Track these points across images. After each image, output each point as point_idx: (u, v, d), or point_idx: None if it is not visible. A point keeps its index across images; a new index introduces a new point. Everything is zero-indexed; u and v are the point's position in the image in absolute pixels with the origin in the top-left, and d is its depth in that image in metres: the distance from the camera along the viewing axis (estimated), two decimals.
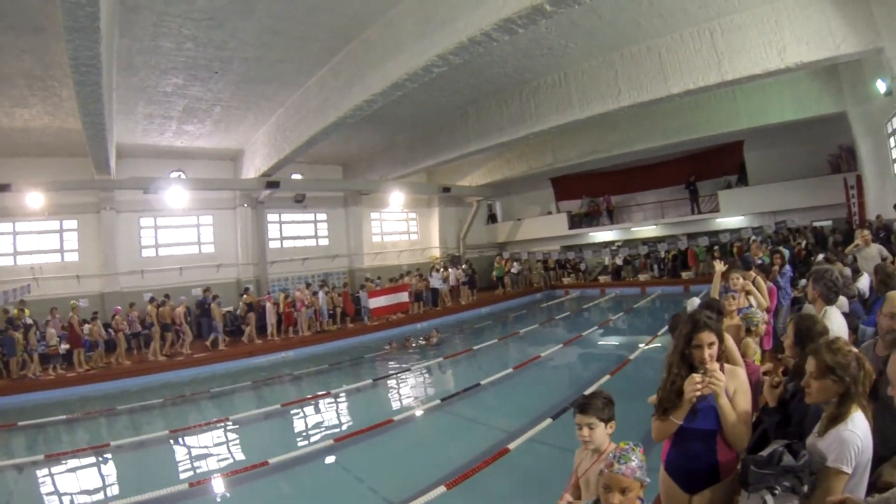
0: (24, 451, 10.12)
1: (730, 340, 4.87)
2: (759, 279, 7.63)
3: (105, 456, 9.53)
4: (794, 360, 3.89)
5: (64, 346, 15.62)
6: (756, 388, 4.27)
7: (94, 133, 13.11)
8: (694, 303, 7.04)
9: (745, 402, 3.20)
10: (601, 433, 3.10)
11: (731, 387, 3.17)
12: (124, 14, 10.30)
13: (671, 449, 3.29)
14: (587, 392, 3.44)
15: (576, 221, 28.80)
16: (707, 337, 3.17)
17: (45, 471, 8.98)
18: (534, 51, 13.61)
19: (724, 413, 3.07)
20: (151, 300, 17.39)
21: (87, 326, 16.01)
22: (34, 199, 17.38)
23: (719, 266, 7.82)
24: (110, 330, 16.82)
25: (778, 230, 21.11)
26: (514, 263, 28.45)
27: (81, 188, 18.50)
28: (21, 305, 16.27)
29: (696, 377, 3.07)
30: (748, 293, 6.90)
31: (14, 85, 13.18)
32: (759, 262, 9.73)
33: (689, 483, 3.20)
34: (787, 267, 9.28)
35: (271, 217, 24.19)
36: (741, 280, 7.00)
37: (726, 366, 3.29)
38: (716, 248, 22.44)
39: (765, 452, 2.74)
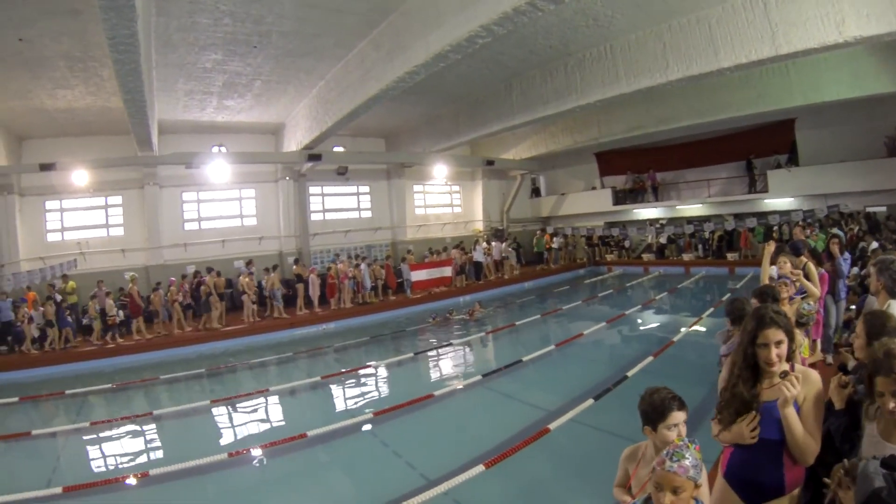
0: (71, 417, 10.37)
1: (812, 269, 4.61)
2: (811, 266, 7.24)
3: (147, 425, 9.74)
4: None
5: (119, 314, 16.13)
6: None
7: (135, 111, 13.19)
8: (772, 272, 6.56)
9: (816, 411, 2.85)
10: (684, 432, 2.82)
11: (803, 393, 2.84)
12: None
13: (733, 455, 3.01)
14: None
15: (620, 197, 28.21)
16: (774, 334, 2.87)
17: (92, 436, 9.23)
18: (579, 22, 13.17)
19: (788, 424, 2.76)
20: (210, 270, 17.89)
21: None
22: (79, 176, 17.80)
23: (769, 247, 7.29)
24: (165, 300, 17.18)
25: (829, 214, 20.26)
26: (555, 239, 28.06)
27: (125, 165, 18.85)
28: (64, 280, 16.75)
29: (750, 422, 2.84)
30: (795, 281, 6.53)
31: (55, 67, 13.41)
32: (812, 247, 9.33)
33: (750, 495, 2.94)
34: (846, 254, 8.46)
35: (313, 190, 24.28)
36: (788, 265, 6.60)
37: (798, 367, 2.98)
38: (775, 229, 21.66)
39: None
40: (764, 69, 16.54)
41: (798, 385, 2.75)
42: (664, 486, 2.23)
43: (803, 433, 2.74)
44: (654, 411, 2.76)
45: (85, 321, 16.39)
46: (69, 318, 15.89)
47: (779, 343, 2.86)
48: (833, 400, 3.31)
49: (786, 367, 2.87)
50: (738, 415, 2.91)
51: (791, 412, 2.75)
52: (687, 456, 2.24)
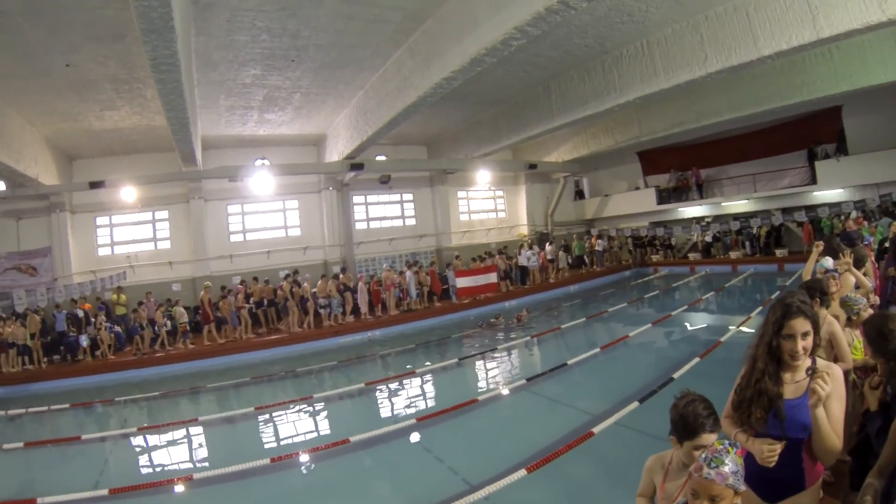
0: (120, 422, 10.72)
1: (838, 331, 4.38)
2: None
3: (193, 430, 10.01)
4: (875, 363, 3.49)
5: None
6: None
7: (178, 128, 13.51)
8: (827, 263, 6.34)
9: (839, 409, 2.71)
10: None
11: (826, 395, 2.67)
12: (198, 12, 10.53)
13: (749, 453, 2.82)
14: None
15: (664, 196, 27.76)
16: (801, 325, 2.72)
17: (139, 440, 9.64)
18: (614, 18, 13.00)
19: (818, 428, 2.59)
20: (286, 276, 18.89)
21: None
22: (127, 192, 18.58)
23: (817, 247, 6.83)
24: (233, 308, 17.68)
25: (882, 204, 19.55)
26: (599, 241, 27.76)
27: (170, 180, 19.41)
28: (118, 291, 17.35)
29: (773, 447, 2.65)
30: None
31: (102, 90, 13.97)
32: (867, 240, 8.98)
33: (768, 491, 2.83)
34: None
35: (357, 199, 24.49)
36: (847, 257, 6.34)
37: (820, 363, 2.82)
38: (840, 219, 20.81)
39: None
40: (806, 55, 16.05)
41: (829, 384, 2.57)
42: (701, 493, 2.10)
43: (831, 435, 2.61)
44: (684, 426, 2.60)
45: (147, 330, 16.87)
46: (117, 328, 16.53)
47: (805, 335, 2.72)
48: (868, 402, 3.21)
49: (809, 361, 2.77)
50: (764, 413, 2.77)
51: (822, 413, 2.59)
52: (727, 462, 2.09)
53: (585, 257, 26.91)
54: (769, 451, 2.66)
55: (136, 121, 16.53)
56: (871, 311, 4.81)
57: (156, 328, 16.40)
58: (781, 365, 2.82)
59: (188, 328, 16.90)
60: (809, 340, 2.74)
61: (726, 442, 2.19)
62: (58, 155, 18.12)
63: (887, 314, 3.66)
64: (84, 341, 15.65)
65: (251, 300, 18.02)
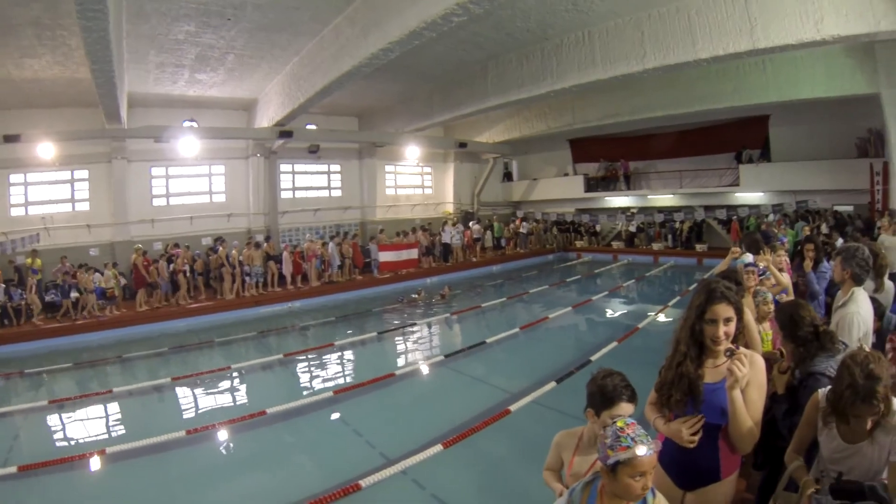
0: (31, 396, 10.27)
1: (750, 320, 4.52)
2: (781, 255, 7.35)
3: (109, 402, 9.63)
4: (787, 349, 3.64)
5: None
6: None
7: (103, 81, 12.79)
8: (747, 258, 6.52)
9: (758, 396, 2.73)
10: None
11: (745, 377, 2.67)
12: None
13: (668, 439, 2.85)
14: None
15: (592, 185, 28.34)
16: (724, 310, 2.72)
17: (51, 413, 9.19)
18: (558, 6, 13.07)
19: (734, 410, 2.62)
20: (217, 241, 18.68)
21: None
22: (45, 149, 17.33)
23: (734, 252, 6.87)
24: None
25: (798, 210, 20.54)
26: (524, 223, 28.16)
27: (92, 138, 18.36)
28: (33, 255, 16.41)
29: (692, 424, 2.69)
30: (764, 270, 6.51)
31: (23, 35, 12.91)
32: (781, 240, 9.38)
33: (683, 479, 2.86)
34: (826, 264, 6.85)
35: (284, 167, 24.05)
36: (767, 254, 6.63)
37: (743, 350, 2.78)
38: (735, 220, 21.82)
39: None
40: (741, 63, 16.72)
41: (747, 365, 2.61)
42: (647, 471, 2.11)
43: (747, 419, 2.63)
44: (602, 396, 2.63)
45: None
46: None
47: (728, 320, 2.72)
48: (776, 386, 3.34)
49: (731, 346, 2.77)
50: (683, 395, 2.78)
51: (738, 395, 2.61)
52: (646, 434, 2.15)
53: (503, 240, 26.97)
54: (689, 428, 2.69)
55: (58, 71, 15.49)
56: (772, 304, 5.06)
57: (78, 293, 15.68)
58: (703, 349, 2.83)
59: (115, 294, 16.22)
60: (732, 326, 2.74)
61: (626, 419, 2.21)
62: None
63: (799, 302, 3.82)
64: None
65: (171, 267, 17.33)
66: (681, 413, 2.80)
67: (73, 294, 15.48)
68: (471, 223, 26.31)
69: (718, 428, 2.74)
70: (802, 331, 3.38)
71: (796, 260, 7.69)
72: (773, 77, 17.32)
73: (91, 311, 15.59)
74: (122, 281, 16.91)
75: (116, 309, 16.09)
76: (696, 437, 2.68)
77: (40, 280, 16.42)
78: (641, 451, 2.07)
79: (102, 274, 16.29)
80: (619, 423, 2.18)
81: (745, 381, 2.66)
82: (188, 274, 17.59)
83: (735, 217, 22.59)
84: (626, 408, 2.58)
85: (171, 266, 17.15)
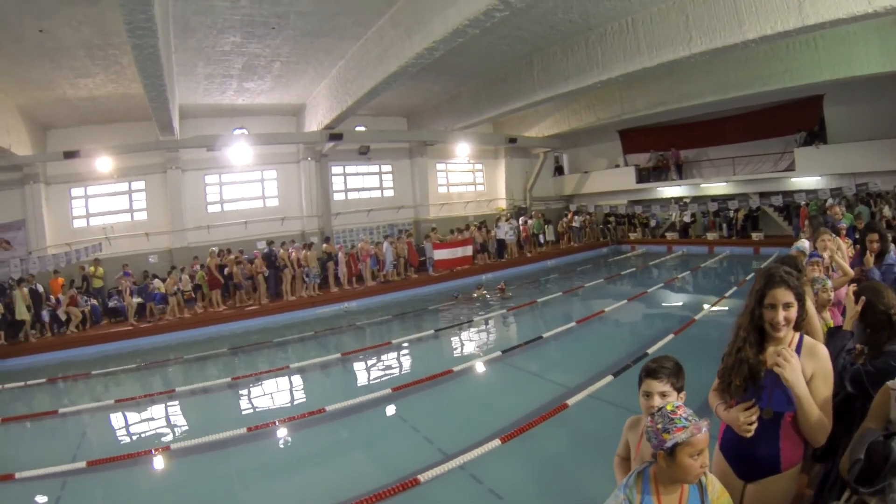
0: (95, 396, 10.57)
1: (811, 308, 4.41)
2: (842, 243, 7.07)
3: (171, 401, 9.98)
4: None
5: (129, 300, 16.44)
6: None
7: (155, 96, 13.24)
8: (803, 245, 6.30)
9: (825, 388, 2.67)
10: None
11: (809, 369, 2.66)
12: None
13: (728, 427, 2.83)
14: (652, 353, 3.01)
15: (643, 175, 27.85)
16: (783, 295, 2.67)
17: (116, 412, 9.53)
18: None
19: (801, 405, 2.56)
20: (282, 244, 19.01)
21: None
22: (103, 163, 18.17)
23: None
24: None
25: (858, 193, 19.80)
26: (576, 217, 27.94)
27: (147, 150, 19.06)
28: (96, 264, 17.11)
29: (749, 414, 2.65)
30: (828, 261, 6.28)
31: (76, 56, 13.56)
32: (842, 224, 9.05)
33: (744, 469, 2.80)
34: (892, 255, 5.99)
35: (335, 169, 24.36)
36: (829, 242, 6.35)
37: (807, 340, 2.78)
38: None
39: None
40: (791, 42, 16.17)
41: (791, 358, 2.57)
42: (705, 449, 2.13)
43: (814, 410, 2.56)
44: (639, 377, 2.75)
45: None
46: (93, 301, 16.36)
47: (787, 305, 2.67)
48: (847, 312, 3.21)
49: (792, 335, 2.74)
50: (743, 381, 2.75)
51: (802, 390, 2.55)
52: (690, 411, 2.18)
53: (542, 237, 26.48)
54: (745, 417, 2.66)
55: (111, 89, 16.13)
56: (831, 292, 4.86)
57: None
58: (764, 335, 2.79)
59: (192, 296, 17.04)
60: (792, 312, 2.69)
61: (674, 404, 2.24)
62: (31, 124, 17.61)
63: (877, 285, 3.64)
64: (45, 317, 15.46)
65: (226, 271, 17.79)
66: (742, 400, 2.76)
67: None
68: (521, 218, 26.26)
69: (779, 416, 2.69)
70: (876, 316, 3.27)
71: (857, 249, 7.31)
72: (825, 55, 16.61)
73: (174, 310, 16.52)
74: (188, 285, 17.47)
75: (197, 309, 17.09)
76: (753, 427, 2.65)
77: (103, 287, 17.10)
78: (698, 428, 2.10)
79: (164, 280, 16.87)
80: (669, 407, 2.21)
81: (810, 373, 2.65)
82: (266, 275, 18.17)
83: (804, 202, 21.45)
84: (651, 384, 2.65)
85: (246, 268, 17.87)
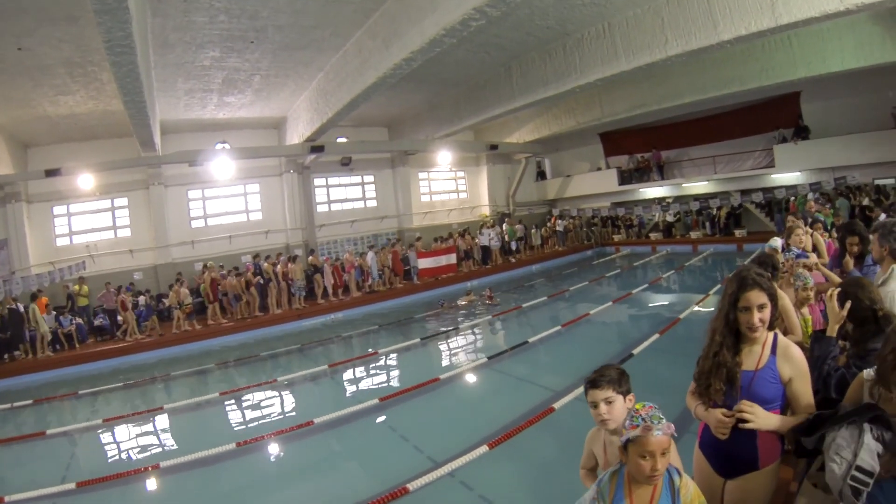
0: (83, 415, 10.51)
1: (788, 304, 4.41)
2: (818, 235, 7.18)
3: (160, 418, 9.93)
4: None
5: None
6: None
7: (136, 112, 13.19)
8: (775, 243, 6.39)
9: (805, 386, 2.78)
10: (621, 407, 2.66)
11: (787, 372, 2.77)
12: None
13: (707, 427, 2.91)
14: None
15: (626, 177, 28.06)
16: (757, 297, 2.74)
17: (105, 431, 9.51)
18: (575, 1, 13.03)
19: (780, 427, 2.72)
20: (266, 258, 19.33)
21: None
22: (85, 180, 18.20)
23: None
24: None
25: (837, 186, 20.07)
26: (559, 221, 28.10)
27: (129, 166, 18.93)
28: (80, 282, 17.01)
29: (724, 416, 2.74)
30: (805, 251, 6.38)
31: (56, 74, 13.56)
32: (820, 220, 9.19)
33: (723, 467, 2.88)
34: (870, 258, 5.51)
35: (318, 181, 24.41)
36: (801, 236, 6.45)
37: (781, 341, 2.86)
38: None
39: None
40: (766, 41, 16.45)
41: (752, 411, 2.69)
42: (655, 452, 2.17)
43: (793, 423, 2.68)
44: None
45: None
46: (78, 320, 16.25)
47: (761, 307, 2.74)
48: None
49: (766, 335, 2.82)
50: (721, 384, 2.81)
51: (781, 423, 2.72)
52: (661, 416, 2.21)
53: (513, 243, 26.02)
54: (720, 425, 2.74)
55: (92, 106, 16.10)
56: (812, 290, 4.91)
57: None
58: (740, 337, 2.84)
59: (192, 309, 16.99)
60: (766, 313, 2.76)
61: (645, 403, 2.30)
62: (11, 143, 17.55)
63: (860, 280, 3.65)
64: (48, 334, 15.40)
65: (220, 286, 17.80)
66: (720, 402, 2.82)
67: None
68: (504, 225, 26.34)
69: None
70: (861, 312, 3.32)
71: (835, 249, 7.33)
72: (800, 52, 16.94)
73: (180, 325, 16.60)
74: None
75: (197, 323, 17.09)
76: (727, 431, 2.74)
77: (88, 305, 16.99)
78: (647, 429, 2.17)
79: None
80: (637, 406, 2.28)
81: (788, 376, 2.75)
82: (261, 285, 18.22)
83: (792, 198, 21.64)
84: (593, 394, 2.69)
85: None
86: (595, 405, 2.67)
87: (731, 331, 2.84)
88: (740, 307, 2.79)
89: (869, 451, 2.19)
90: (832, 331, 3.16)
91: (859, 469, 2.18)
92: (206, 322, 17.19)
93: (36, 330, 15.13)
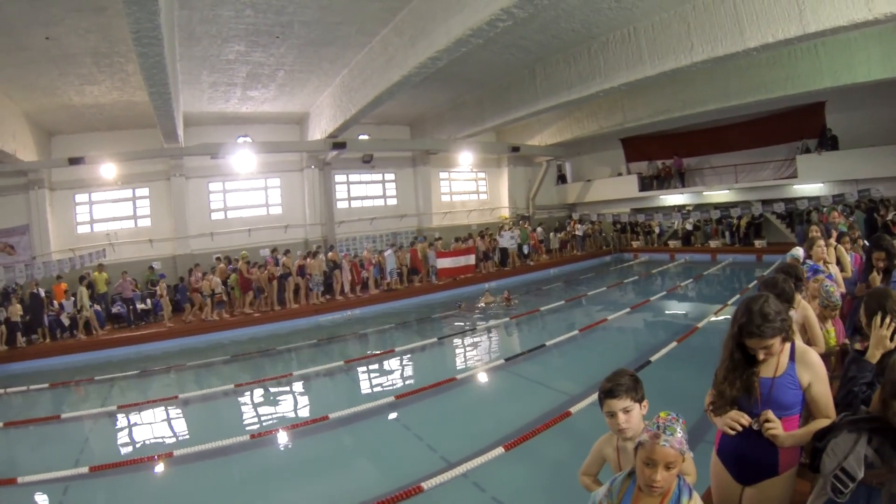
0: (98, 401, 10.59)
1: (812, 316, 4.45)
2: (841, 248, 7.11)
3: (175, 407, 9.98)
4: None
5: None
6: None
7: (160, 103, 13.30)
8: (797, 253, 6.33)
9: (824, 389, 2.77)
10: (638, 416, 2.64)
11: (806, 377, 2.75)
12: None
13: (724, 434, 2.88)
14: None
15: (646, 183, 27.89)
16: (758, 343, 2.68)
17: (119, 418, 9.60)
18: (601, 4, 12.97)
19: (802, 439, 2.69)
20: (286, 252, 19.31)
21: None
22: (107, 169, 18.52)
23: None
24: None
25: (860, 199, 19.83)
26: (579, 226, 27.99)
27: (151, 157, 19.18)
28: (100, 269, 17.17)
29: (735, 419, 2.73)
30: (827, 263, 6.32)
31: (82, 64, 13.69)
32: (846, 232, 9.10)
33: (742, 473, 2.86)
34: None
35: (339, 178, 24.52)
36: (822, 249, 6.40)
37: (798, 347, 2.84)
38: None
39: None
40: (792, 50, 16.23)
41: (773, 421, 2.67)
42: (658, 461, 2.14)
43: (824, 423, 2.63)
44: (598, 399, 2.75)
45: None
46: (97, 307, 16.38)
47: (767, 347, 2.69)
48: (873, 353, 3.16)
49: (781, 347, 2.76)
50: (738, 392, 2.80)
51: (801, 436, 2.70)
52: (678, 430, 2.18)
53: (525, 247, 25.52)
54: (731, 421, 2.74)
55: (116, 96, 16.26)
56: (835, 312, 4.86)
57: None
58: (753, 359, 2.81)
59: (223, 299, 17.12)
60: (774, 348, 2.71)
61: (671, 413, 2.27)
62: (37, 131, 17.76)
63: (889, 291, 3.60)
64: (65, 320, 15.62)
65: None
66: (740, 408, 2.82)
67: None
68: (536, 227, 26.38)
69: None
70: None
71: (861, 263, 7.21)
72: (826, 62, 16.65)
73: (207, 313, 16.75)
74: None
75: (226, 312, 17.24)
76: (732, 430, 2.74)
77: (106, 293, 17.14)
78: (656, 438, 2.16)
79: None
80: (662, 413, 2.26)
81: (807, 381, 2.74)
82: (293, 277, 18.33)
83: (825, 208, 20.91)
84: (611, 403, 2.64)
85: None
86: (612, 415, 2.63)
87: (740, 348, 2.82)
88: (748, 346, 2.76)
89: (857, 457, 2.25)
90: (873, 357, 3.06)
91: (843, 471, 2.25)
92: (231, 313, 17.33)
93: (56, 314, 15.40)
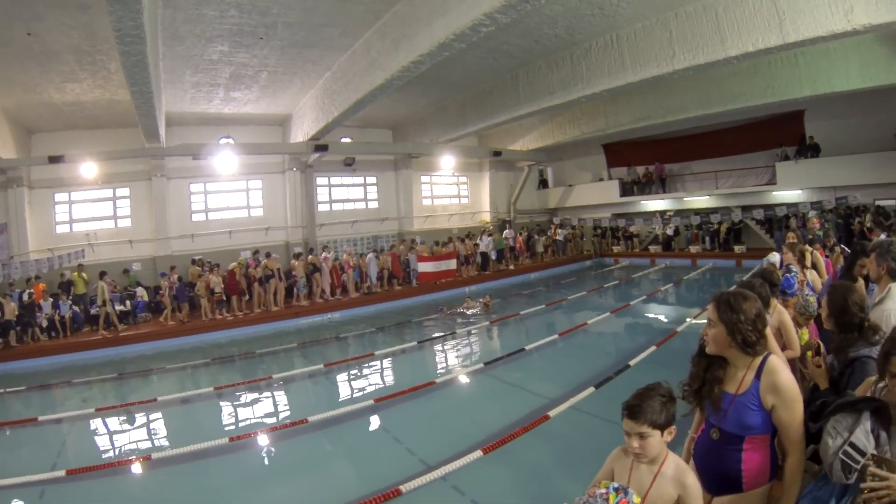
0: (76, 404, 10.46)
1: (787, 320, 4.58)
2: (817, 253, 7.23)
3: (154, 410, 9.84)
4: (833, 333, 3.48)
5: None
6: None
7: (142, 102, 13.21)
8: (774, 258, 6.41)
9: (789, 417, 2.59)
10: (656, 443, 2.38)
11: (770, 400, 2.60)
12: None
13: (698, 438, 2.87)
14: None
15: (627, 189, 28.14)
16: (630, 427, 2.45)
17: (97, 421, 9.46)
18: (584, 10, 13.10)
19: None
20: (267, 255, 18.81)
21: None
22: (88, 168, 18.28)
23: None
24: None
25: (838, 206, 20.14)
26: (560, 230, 28.14)
27: (132, 157, 18.99)
28: (80, 269, 16.98)
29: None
30: (804, 267, 6.44)
31: (64, 61, 13.56)
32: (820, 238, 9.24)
33: (709, 483, 2.73)
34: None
35: (320, 180, 24.42)
36: (792, 254, 6.53)
37: (768, 366, 2.65)
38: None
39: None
40: (772, 59, 16.54)
41: None
42: None
43: (799, 461, 2.62)
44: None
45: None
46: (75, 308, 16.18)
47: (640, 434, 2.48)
48: (817, 381, 3.24)
49: (752, 360, 2.72)
50: (701, 401, 2.84)
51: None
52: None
53: (494, 252, 24.95)
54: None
55: (98, 94, 16.10)
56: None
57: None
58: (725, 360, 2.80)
59: (223, 297, 16.94)
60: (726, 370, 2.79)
61: (612, 486, 2.14)
62: (16, 128, 17.53)
63: (850, 286, 3.64)
64: (43, 321, 15.35)
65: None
66: (702, 415, 2.90)
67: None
68: (507, 231, 26.45)
69: (740, 438, 2.66)
70: (848, 316, 3.30)
71: (839, 267, 7.24)
72: (805, 71, 17.01)
73: (207, 312, 16.66)
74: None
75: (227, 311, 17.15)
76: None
77: (84, 294, 16.93)
78: None
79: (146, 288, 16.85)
80: (604, 485, 2.17)
81: (770, 404, 2.62)
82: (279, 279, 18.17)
83: (804, 214, 21.01)
84: (629, 424, 2.41)
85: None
86: (628, 435, 2.42)
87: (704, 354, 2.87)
88: None
89: (864, 431, 2.25)
90: (824, 385, 3.15)
91: (852, 446, 2.23)
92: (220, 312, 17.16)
93: (42, 315, 15.25)
